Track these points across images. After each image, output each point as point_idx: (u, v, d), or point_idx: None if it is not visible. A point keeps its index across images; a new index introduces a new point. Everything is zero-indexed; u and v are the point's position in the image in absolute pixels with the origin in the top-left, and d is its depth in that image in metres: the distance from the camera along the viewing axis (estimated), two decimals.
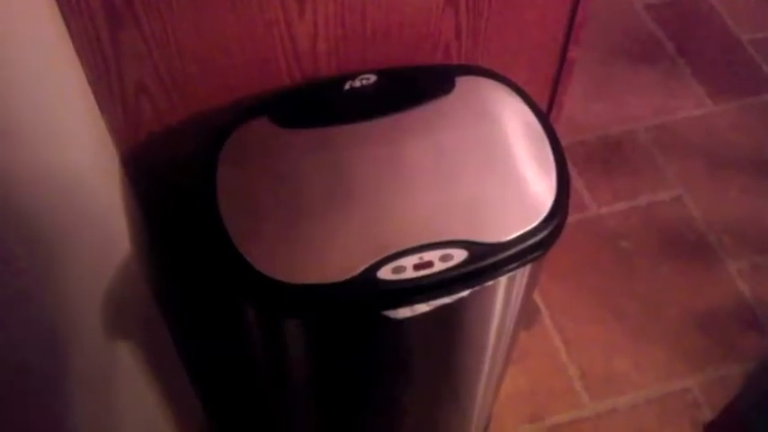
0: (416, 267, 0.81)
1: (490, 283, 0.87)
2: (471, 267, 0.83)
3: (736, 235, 1.78)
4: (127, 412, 0.96)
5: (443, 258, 0.82)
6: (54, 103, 0.73)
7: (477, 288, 0.86)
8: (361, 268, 0.80)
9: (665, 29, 2.19)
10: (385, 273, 0.81)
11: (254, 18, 0.87)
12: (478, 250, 0.83)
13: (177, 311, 1.11)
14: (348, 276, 0.80)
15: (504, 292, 0.95)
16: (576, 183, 1.84)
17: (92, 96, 0.85)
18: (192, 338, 1.17)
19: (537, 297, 1.66)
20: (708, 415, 1.51)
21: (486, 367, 1.13)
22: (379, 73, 0.95)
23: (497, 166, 0.89)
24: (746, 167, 1.90)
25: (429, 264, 0.82)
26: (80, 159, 0.79)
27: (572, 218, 0.89)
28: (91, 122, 0.85)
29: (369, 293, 0.82)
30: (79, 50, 0.82)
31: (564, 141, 0.93)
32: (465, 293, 0.86)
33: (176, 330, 1.05)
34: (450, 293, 0.85)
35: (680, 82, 2.07)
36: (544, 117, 0.95)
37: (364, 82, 0.94)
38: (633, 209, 1.82)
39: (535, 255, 0.86)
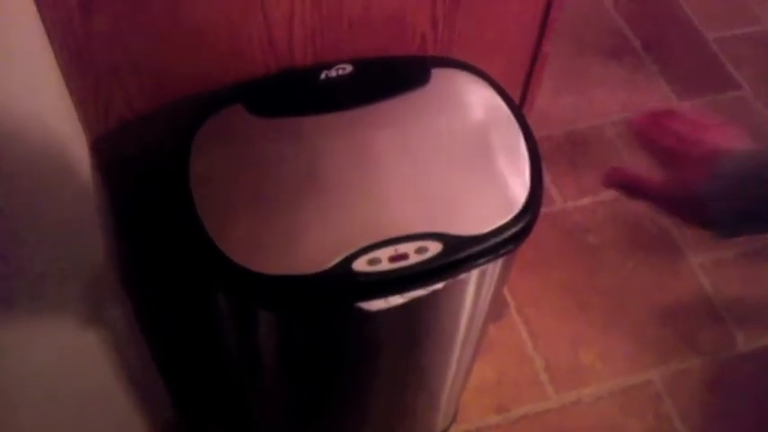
0: (392, 259, 0.81)
1: (464, 275, 0.88)
2: (446, 260, 0.83)
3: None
4: (95, 406, 0.95)
5: (419, 251, 0.82)
6: (22, 88, 0.71)
7: (451, 280, 0.86)
8: (337, 260, 0.80)
9: (633, 25, 2.21)
10: (360, 265, 0.80)
11: (231, 3, 0.86)
12: (453, 243, 0.83)
13: (148, 302, 1.10)
14: (323, 268, 0.79)
15: (476, 285, 0.95)
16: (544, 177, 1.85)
17: (62, 81, 0.83)
18: (161, 330, 1.16)
19: (504, 290, 1.67)
20: (670, 407, 1.53)
21: (455, 359, 1.14)
22: (354, 63, 0.94)
23: (472, 158, 0.89)
24: None
25: (404, 256, 0.81)
26: (47, 146, 0.78)
27: None
28: (61, 108, 0.83)
29: (344, 285, 0.81)
30: (50, 33, 0.80)
31: None
32: (440, 285, 0.86)
33: (146, 322, 1.03)
34: (425, 285, 0.85)
35: (646, 78, 2.10)
36: (519, 111, 0.95)
37: (340, 72, 0.93)
38: (598, 203, 1.84)
39: (509, 248, 0.86)
